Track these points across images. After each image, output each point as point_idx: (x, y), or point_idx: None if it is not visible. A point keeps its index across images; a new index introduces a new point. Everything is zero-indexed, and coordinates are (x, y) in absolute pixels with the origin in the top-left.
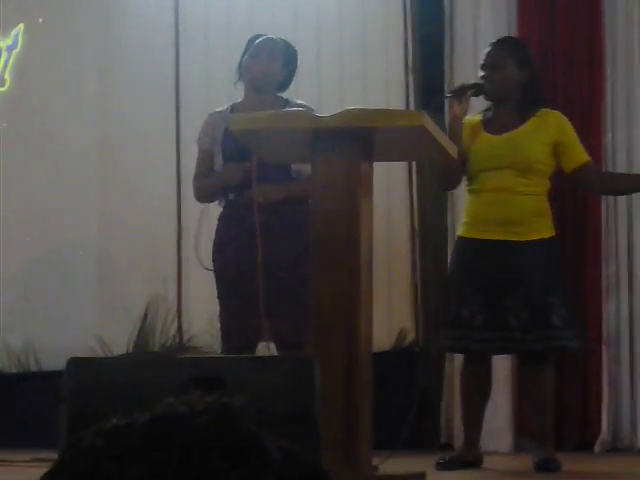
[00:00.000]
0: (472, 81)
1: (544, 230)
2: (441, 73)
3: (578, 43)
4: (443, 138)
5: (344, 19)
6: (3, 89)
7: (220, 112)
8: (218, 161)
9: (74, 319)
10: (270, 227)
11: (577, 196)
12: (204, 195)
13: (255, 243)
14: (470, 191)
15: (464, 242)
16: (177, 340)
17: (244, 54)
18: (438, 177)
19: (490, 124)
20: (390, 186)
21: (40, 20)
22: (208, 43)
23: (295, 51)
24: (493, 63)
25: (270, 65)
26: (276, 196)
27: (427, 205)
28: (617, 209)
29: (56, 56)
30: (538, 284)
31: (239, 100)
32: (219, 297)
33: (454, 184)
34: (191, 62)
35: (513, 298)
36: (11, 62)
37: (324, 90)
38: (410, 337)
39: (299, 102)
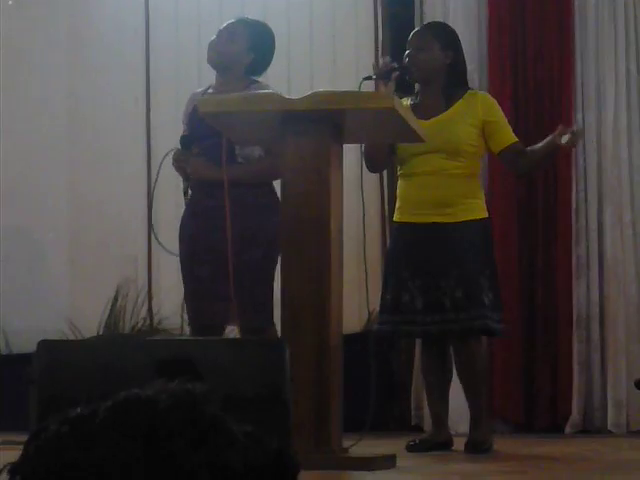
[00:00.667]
0: (395, 63)
1: (476, 211)
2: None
3: (548, 25)
4: (413, 120)
5: (314, 2)
6: None
7: (197, 93)
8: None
9: (44, 302)
10: (218, 210)
11: (547, 178)
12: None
13: (208, 224)
14: (401, 176)
15: (398, 227)
16: (147, 322)
17: None
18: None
19: (418, 109)
20: (361, 168)
21: (10, 2)
22: (178, 26)
23: (267, 34)
24: (418, 44)
25: (228, 46)
26: (206, 173)
27: (396, 187)
28: (587, 190)
29: (26, 39)
30: (471, 264)
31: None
32: (183, 278)
33: (382, 166)
34: (161, 42)
35: (447, 279)
36: None
37: (294, 72)
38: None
39: (262, 82)
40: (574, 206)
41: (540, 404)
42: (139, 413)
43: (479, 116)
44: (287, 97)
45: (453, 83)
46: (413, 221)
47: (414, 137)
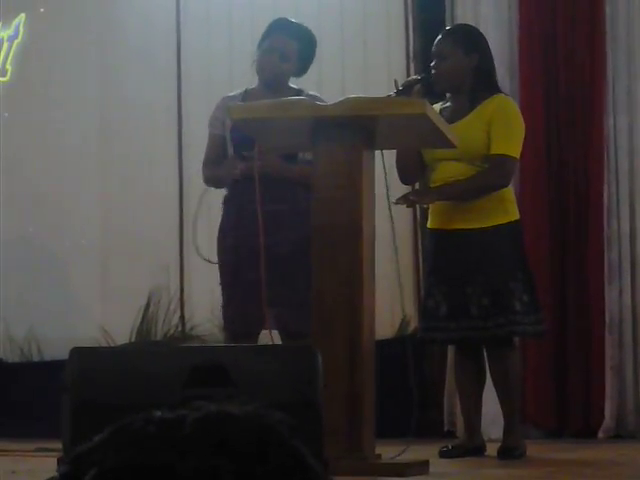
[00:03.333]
0: (417, 75)
1: (502, 215)
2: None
3: (579, 29)
4: (444, 125)
5: (345, 7)
6: (5, 79)
7: (232, 97)
8: (230, 148)
9: (77, 309)
10: (274, 215)
11: (579, 181)
12: (212, 182)
13: (257, 230)
14: (435, 181)
15: (430, 234)
16: (179, 329)
17: (262, 38)
18: (397, 170)
19: (446, 113)
20: (392, 174)
21: (41, 10)
22: (210, 33)
23: (313, 42)
24: (439, 53)
25: (282, 66)
26: (275, 166)
27: None
28: (619, 194)
29: (57, 46)
30: (498, 270)
31: (253, 86)
32: (222, 285)
33: (413, 176)
34: (192, 46)
35: (474, 286)
36: (12, 52)
37: (325, 78)
38: (413, 325)
39: (312, 93)
40: (606, 210)
41: (572, 409)
42: (232, 431)
43: (486, 119)
44: (319, 103)
45: (481, 85)
46: (439, 227)
47: (446, 142)
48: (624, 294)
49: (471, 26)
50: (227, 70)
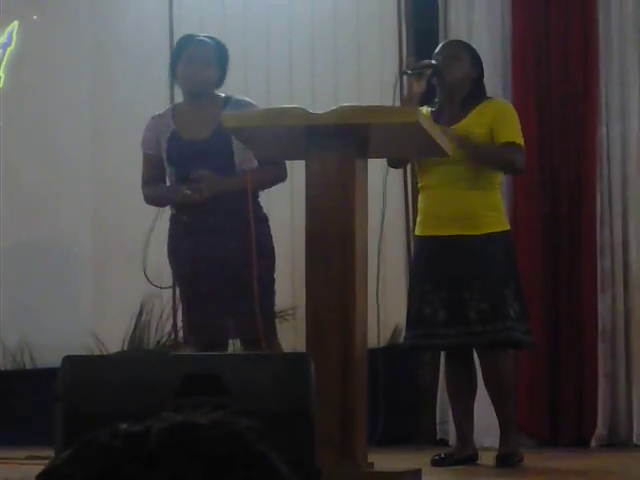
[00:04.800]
0: (430, 61)
1: (498, 224)
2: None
3: (572, 37)
4: (437, 134)
5: (338, 15)
6: None
7: (161, 116)
8: (168, 169)
9: (69, 316)
10: (220, 227)
11: (572, 190)
12: (154, 203)
13: (208, 242)
14: (422, 188)
15: (420, 241)
16: (172, 337)
17: (174, 58)
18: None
19: (438, 117)
20: (385, 183)
21: (34, 17)
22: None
23: (226, 48)
24: (453, 53)
25: (206, 72)
26: (225, 186)
27: None
28: (612, 202)
29: (51, 53)
30: (494, 276)
31: (178, 102)
32: (181, 298)
33: (403, 163)
34: None
35: (471, 292)
36: (6, 60)
37: (318, 87)
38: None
39: (243, 99)
40: (599, 218)
41: (565, 418)
42: (198, 440)
43: (488, 121)
44: (311, 112)
45: (474, 95)
46: (435, 234)
47: (439, 151)
48: (617, 303)
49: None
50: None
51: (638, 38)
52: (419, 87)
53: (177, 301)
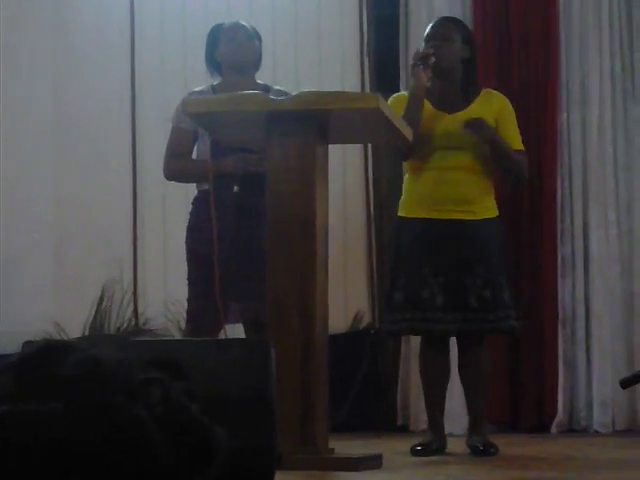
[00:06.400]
0: (430, 48)
1: (492, 209)
2: (396, 54)
3: (533, 24)
4: (398, 120)
5: (299, 1)
6: None
7: (200, 92)
8: (205, 143)
9: (30, 302)
10: (246, 209)
11: (532, 177)
12: (181, 177)
13: (231, 225)
14: (414, 169)
15: (410, 223)
16: (133, 323)
17: (212, 46)
18: (393, 149)
19: (436, 100)
20: (346, 169)
21: None
22: (163, 25)
23: (259, 35)
24: (444, 35)
25: (251, 43)
26: (253, 166)
27: (383, 188)
28: (572, 189)
29: (12, 36)
30: (493, 263)
31: (216, 82)
32: (190, 279)
33: (410, 154)
34: (147, 43)
35: (473, 277)
36: None
37: (280, 72)
38: (366, 319)
39: (278, 88)
40: (559, 205)
41: (526, 404)
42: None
43: (494, 115)
44: (272, 97)
45: (469, 78)
46: (431, 217)
47: (399, 137)
48: (577, 289)
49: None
50: (181, 61)
51: (598, 24)
52: (426, 74)
53: (138, 287)
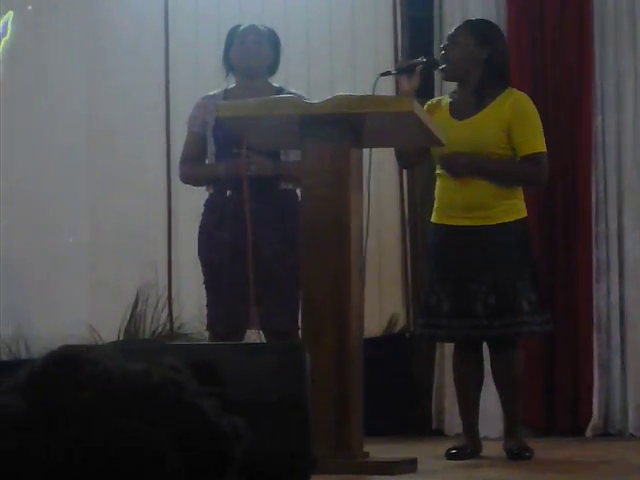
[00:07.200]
0: (422, 57)
1: (511, 213)
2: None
3: (568, 25)
4: (432, 124)
5: (333, 4)
6: None
7: (213, 96)
8: (211, 147)
9: (65, 306)
10: (260, 214)
11: (567, 180)
12: (191, 180)
13: (243, 229)
14: (439, 175)
15: (435, 228)
16: (168, 327)
17: (228, 47)
18: (395, 152)
19: (454, 107)
20: (380, 173)
21: (29, 7)
22: (198, 29)
23: (278, 36)
24: (452, 39)
25: (260, 49)
26: (266, 168)
27: (417, 191)
28: (607, 193)
29: (45, 43)
30: (506, 269)
31: (231, 86)
32: (206, 284)
33: (413, 163)
34: (181, 48)
35: (480, 284)
36: (0, 50)
37: (314, 76)
38: (401, 323)
39: (292, 91)
40: (594, 209)
41: (561, 407)
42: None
43: (505, 117)
44: (307, 101)
45: (490, 79)
46: (447, 223)
47: (434, 141)
48: (612, 293)
49: (491, 22)
50: (215, 66)
51: (633, 26)
52: (411, 84)
53: (172, 291)
